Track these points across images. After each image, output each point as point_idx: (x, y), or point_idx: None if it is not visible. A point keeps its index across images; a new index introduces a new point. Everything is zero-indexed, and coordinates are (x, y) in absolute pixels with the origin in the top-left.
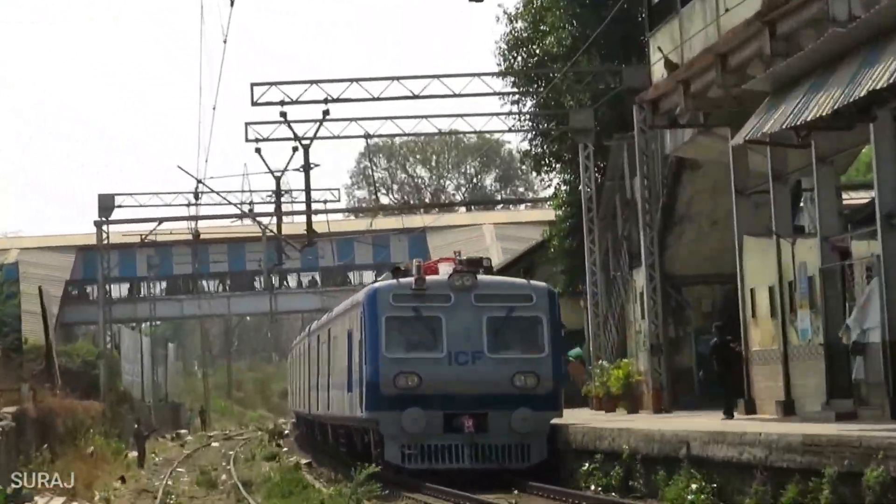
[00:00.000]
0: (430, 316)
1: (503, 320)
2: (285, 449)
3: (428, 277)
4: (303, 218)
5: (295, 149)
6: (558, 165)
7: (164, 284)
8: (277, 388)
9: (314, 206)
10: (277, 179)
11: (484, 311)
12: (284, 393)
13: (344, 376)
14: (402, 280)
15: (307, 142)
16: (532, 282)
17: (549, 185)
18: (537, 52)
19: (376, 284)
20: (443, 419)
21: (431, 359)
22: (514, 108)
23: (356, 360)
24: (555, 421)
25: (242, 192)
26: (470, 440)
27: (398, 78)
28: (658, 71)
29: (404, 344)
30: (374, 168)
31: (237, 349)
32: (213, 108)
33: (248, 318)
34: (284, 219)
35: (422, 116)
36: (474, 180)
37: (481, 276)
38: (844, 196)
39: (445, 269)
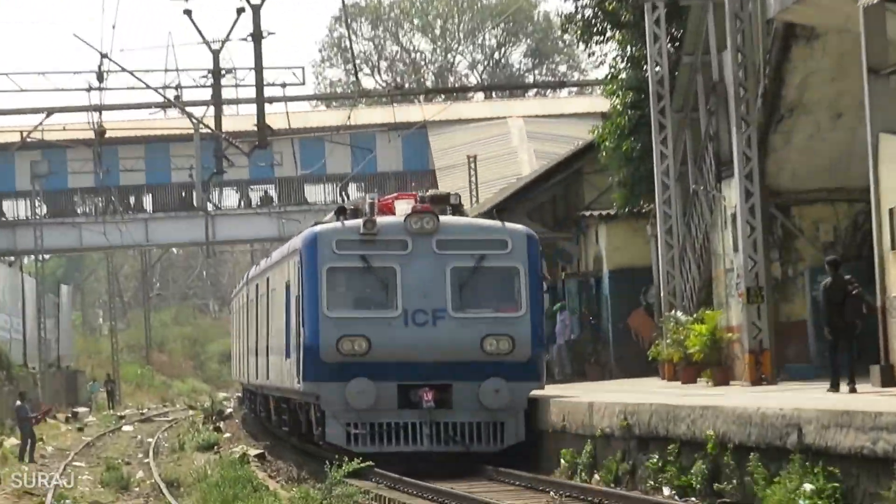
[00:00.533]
0: (382, 266)
1: (471, 272)
2: (227, 435)
3: (379, 219)
4: (251, 108)
5: (240, 10)
6: (615, 34)
7: (54, 202)
8: (217, 350)
9: (268, 93)
10: (216, 54)
11: (448, 260)
12: (226, 356)
13: (282, 339)
14: (347, 223)
15: None
16: (508, 224)
17: (601, 63)
18: None
19: (317, 228)
20: (397, 392)
21: (383, 319)
22: None
23: (293, 320)
24: (535, 393)
25: (166, 71)
26: (430, 417)
27: None
28: None
29: (350, 301)
30: (354, 38)
31: (159, 295)
32: None
33: (174, 250)
34: (226, 109)
35: None
36: (496, 56)
37: (445, 218)
38: None
39: (403, 209)
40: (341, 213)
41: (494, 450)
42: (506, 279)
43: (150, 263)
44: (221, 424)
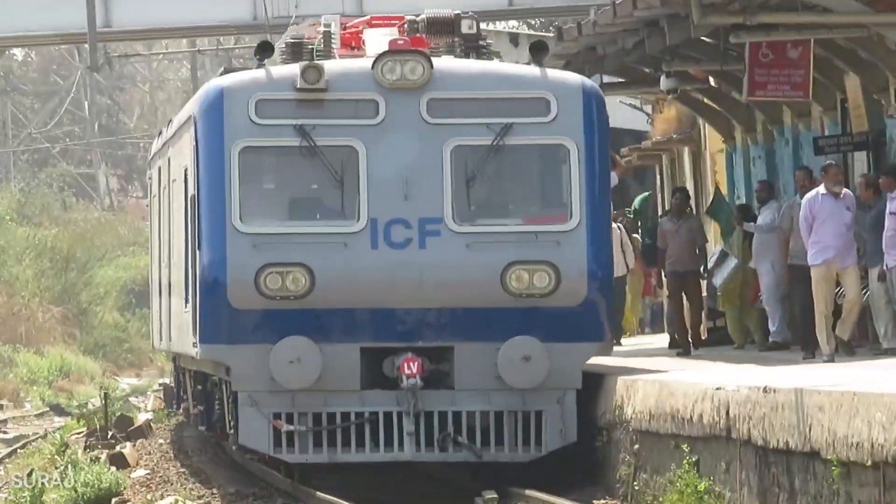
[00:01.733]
0: (335, 146)
1: (487, 154)
2: (139, 471)
3: (330, 65)
4: None
5: None
6: None
7: None
8: (114, 281)
9: None
10: None
11: (447, 133)
12: (138, 296)
13: (182, 270)
14: (276, 70)
15: None
16: (551, 71)
17: None
18: None
19: (223, 80)
20: (360, 361)
21: (335, 235)
22: None
23: (190, 238)
24: (596, 362)
25: None
26: (414, 404)
27: None
28: None
29: (280, 206)
30: None
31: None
32: None
33: (17, 53)
34: None
35: None
36: None
37: (443, 61)
38: None
39: (377, 43)
40: (264, 51)
41: (525, 458)
42: (547, 166)
43: None
44: (126, 448)
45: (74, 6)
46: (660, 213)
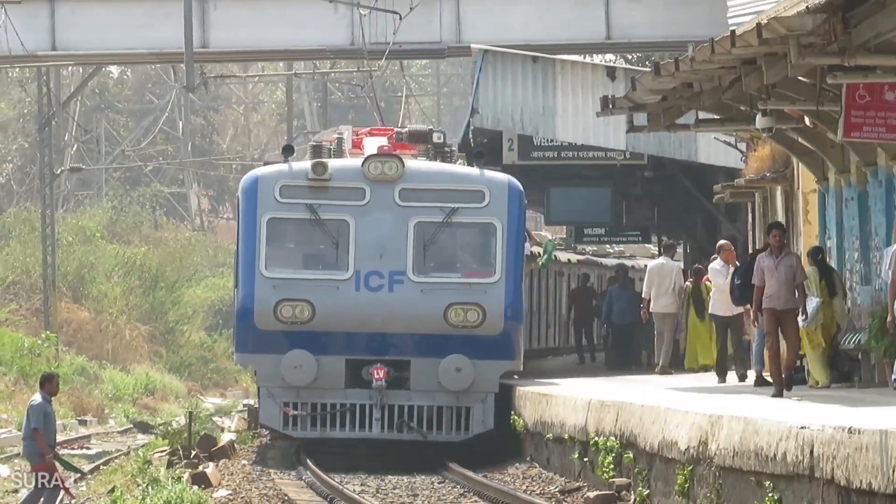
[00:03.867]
0: (333, 219)
1: (439, 228)
2: (223, 492)
3: (332, 163)
4: None
5: None
6: None
7: None
8: (202, 301)
9: None
10: None
11: (412, 213)
12: (231, 314)
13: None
14: (295, 165)
15: None
16: (487, 172)
17: None
18: None
19: (259, 170)
20: (344, 368)
21: (330, 281)
22: None
23: (235, 279)
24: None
25: None
26: (381, 399)
27: None
28: None
29: (294, 259)
30: None
31: (76, 172)
32: None
33: (112, 70)
34: None
35: None
36: None
37: (412, 163)
38: None
39: (371, 147)
40: (288, 152)
41: (457, 439)
42: (480, 238)
43: (56, 102)
44: (209, 468)
45: (172, 26)
46: (750, 251)
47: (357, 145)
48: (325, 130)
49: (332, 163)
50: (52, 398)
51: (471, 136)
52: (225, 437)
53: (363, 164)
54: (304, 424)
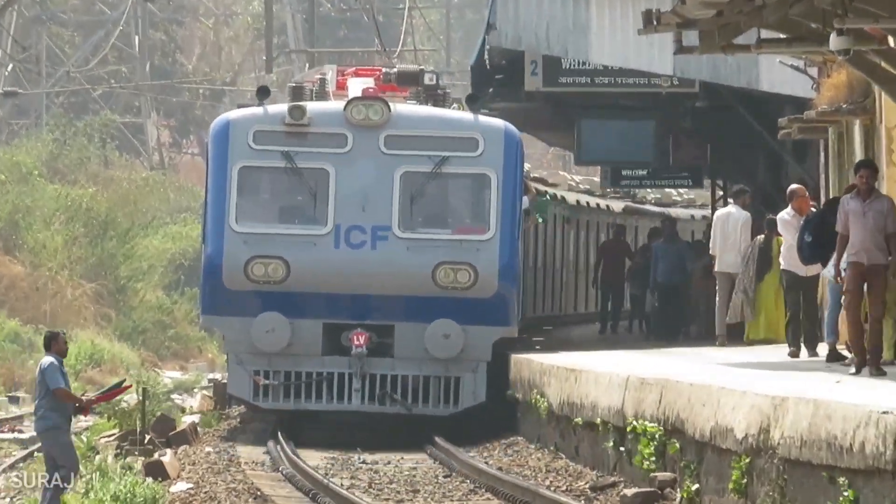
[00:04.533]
0: (311, 168)
1: (427, 179)
2: (181, 485)
3: (311, 106)
4: None
5: None
6: None
7: None
8: (160, 254)
9: None
10: None
11: (398, 162)
12: (195, 270)
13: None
14: (271, 108)
15: None
16: (482, 117)
17: None
18: None
19: (230, 114)
20: (322, 333)
21: (307, 237)
22: None
23: (202, 233)
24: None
25: None
26: (361, 367)
27: None
28: None
29: (268, 212)
30: None
31: (12, 96)
32: None
33: None
34: None
35: None
36: None
37: (400, 107)
38: None
39: (355, 89)
40: (263, 94)
41: (445, 413)
42: (473, 190)
43: None
44: (167, 456)
45: None
46: (822, 201)
47: (342, 87)
48: (307, 71)
49: (311, 106)
50: (63, 359)
51: (486, 57)
52: (186, 420)
53: (345, 107)
54: (277, 395)
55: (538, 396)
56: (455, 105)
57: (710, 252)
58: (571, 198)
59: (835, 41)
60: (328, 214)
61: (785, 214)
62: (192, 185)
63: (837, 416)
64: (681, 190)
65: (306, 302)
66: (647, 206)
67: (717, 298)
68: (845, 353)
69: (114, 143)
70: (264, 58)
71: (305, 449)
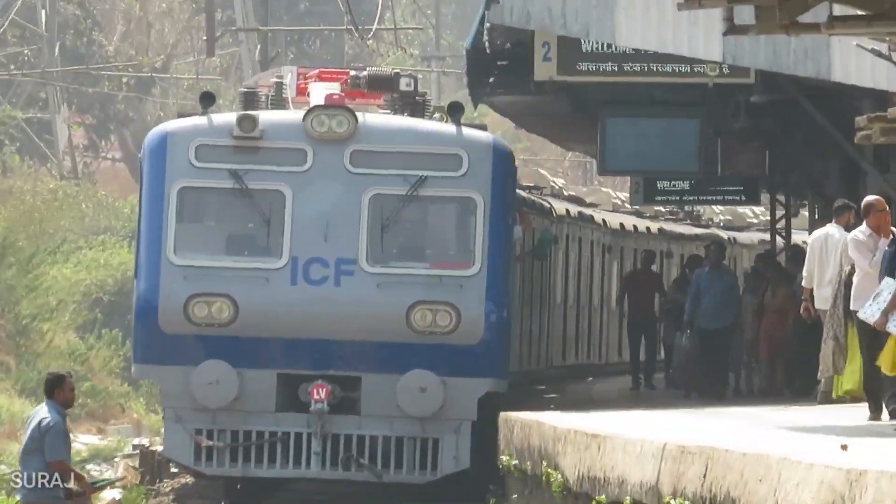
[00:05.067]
0: (264, 190)
1: (402, 203)
2: None
3: (265, 116)
4: None
5: None
6: None
7: None
8: (90, 281)
9: None
10: None
11: (367, 183)
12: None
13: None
14: (217, 118)
15: None
16: (466, 130)
17: None
18: None
19: (168, 125)
20: (276, 386)
21: (259, 271)
22: None
23: (135, 267)
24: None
25: None
26: (322, 426)
27: None
28: None
29: (212, 241)
30: None
31: None
32: None
33: None
34: None
35: None
36: None
37: (368, 117)
38: None
39: (318, 96)
40: (208, 101)
41: (421, 481)
42: (455, 216)
43: None
44: None
45: None
46: None
47: (302, 92)
48: (262, 73)
49: (265, 116)
50: (66, 411)
51: (486, 38)
52: (105, 496)
53: (304, 118)
54: (222, 458)
55: (550, 469)
56: (437, 115)
57: (804, 284)
58: (614, 221)
59: None
60: (283, 245)
61: (858, 234)
62: (114, 200)
63: None
64: (733, 206)
65: (257, 348)
66: (697, 229)
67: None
68: None
69: (14, 145)
70: (204, 38)
71: None
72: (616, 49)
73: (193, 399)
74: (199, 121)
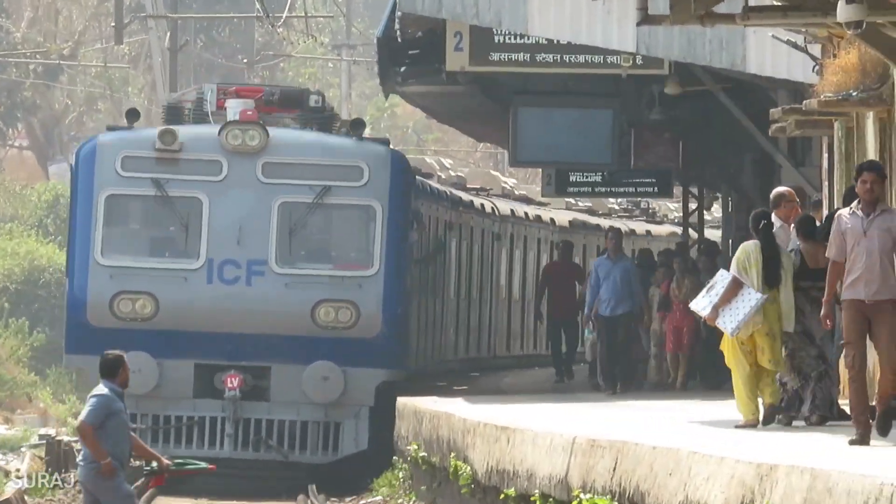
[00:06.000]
0: (183, 197)
1: (308, 210)
2: None
3: (183, 130)
4: None
5: None
6: None
7: None
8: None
9: None
10: None
11: (276, 191)
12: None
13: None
14: (142, 132)
15: None
16: (367, 143)
17: None
18: None
19: (98, 137)
20: (193, 374)
21: (178, 271)
22: None
23: (66, 266)
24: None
25: None
26: (235, 411)
27: None
28: None
29: (136, 244)
30: None
31: None
32: None
33: None
34: None
35: None
36: None
37: (277, 132)
38: None
39: (233, 111)
40: (133, 117)
41: (324, 461)
42: (356, 222)
43: None
44: None
45: None
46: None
47: (221, 106)
48: (185, 90)
49: (184, 130)
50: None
51: (397, 26)
52: (9, 488)
53: (220, 132)
54: (144, 440)
55: (459, 461)
56: (344, 129)
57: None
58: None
59: (844, 10)
60: (201, 247)
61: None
62: (21, 188)
63: (840, 490)
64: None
65: (176, 341)
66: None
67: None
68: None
69: None
70: (113, 25)
71: (172, 497)
72: (529, 39)
73: None
74: (126, 134)
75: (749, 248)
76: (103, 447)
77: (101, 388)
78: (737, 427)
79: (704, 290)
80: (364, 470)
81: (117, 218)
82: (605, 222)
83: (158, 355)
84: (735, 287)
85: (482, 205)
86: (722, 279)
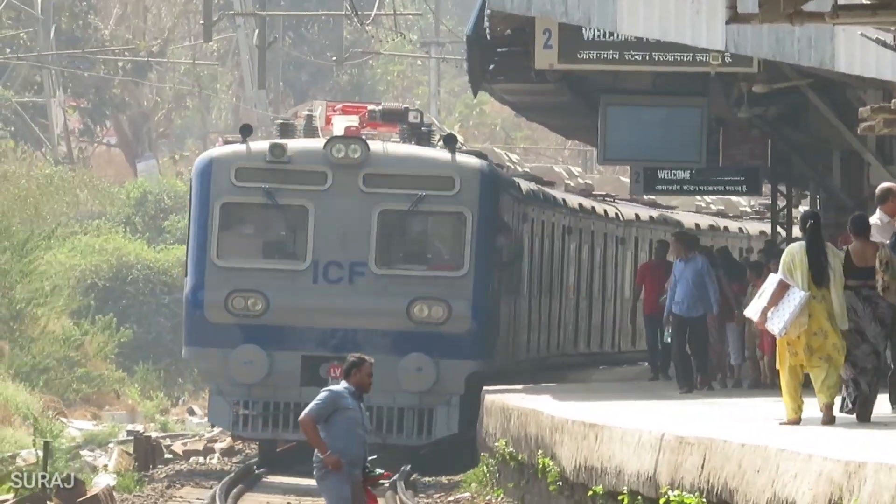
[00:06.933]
0: (291, 205)
1: (405, 217)
2: None
3: (293, 143)
4: None
5: None
6: None
7: None
8: (84, 266)
9: None
10: None
11: (376, 200)
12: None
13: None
14: (254, 146)
15: None
16: (460, 156)
17: None
18: None
19: (213, 151)
20: (300, 366)
21: (287, 272)
22: None
23: (185, 267)
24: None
25: None
26: None
27: None
28: None
29: (249, 247)
30: None
31: None
32: None
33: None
34: None
35: None
36: None
37: (377, 145)
38: None
39: (339, 127)
40: (246, 132)
41: (418, 443)
42: (449, 228)
43: None
44: None
45: None
46: None
47: (330, 123)
48: (297, 106)
49: (292, 144)
50: (361, 394)
51: (486, 24)
52: (99, 482)
53: (325, 146)
54: (256, 425)
55: (547, 459)
56: (441, 143)
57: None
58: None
59: None
60: (307, 250)
61: (875, 219)
62: (109, 185)
63: None
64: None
65: (285, 335)
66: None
67: None
68: None
69: (8, 129)
70: (201, 22)
71: (274, 475)
72: (618, 37)
73: (232, 376)
74: (239, 148)
75: (794, 250)
76: (331, 444)
77: (335, 385)
78: (780, 424)
79: (756, 295)
80: (454, 452)
81: (231, 224)
82: (733, 224)
83: (268, 348)
84: (782, 289)
85: (605, 210)
86: (771, 283)
